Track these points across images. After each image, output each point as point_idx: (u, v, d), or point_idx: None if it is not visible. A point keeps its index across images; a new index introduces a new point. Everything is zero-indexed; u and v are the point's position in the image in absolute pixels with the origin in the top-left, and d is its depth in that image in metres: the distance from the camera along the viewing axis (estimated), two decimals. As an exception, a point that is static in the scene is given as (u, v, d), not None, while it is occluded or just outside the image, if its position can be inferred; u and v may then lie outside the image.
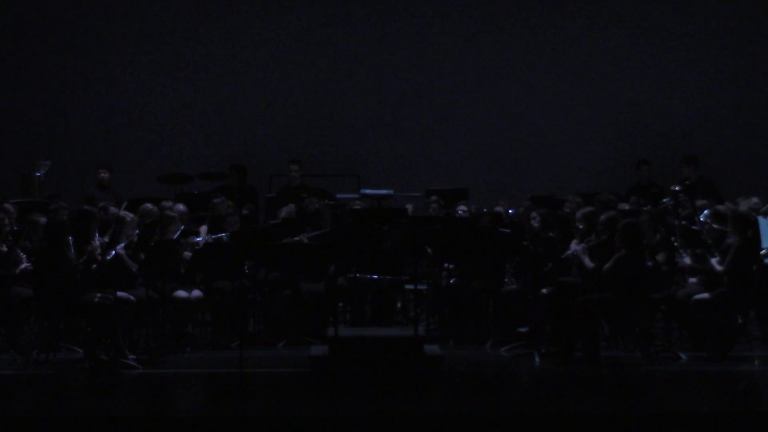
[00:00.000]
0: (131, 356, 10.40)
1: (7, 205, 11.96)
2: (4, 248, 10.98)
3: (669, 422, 8.26)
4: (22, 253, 10.99)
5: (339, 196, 13.84)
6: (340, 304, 12.24)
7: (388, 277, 11.76)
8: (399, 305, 12.57)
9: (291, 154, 15.17)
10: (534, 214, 11.69)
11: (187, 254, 11.34)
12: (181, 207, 12.14)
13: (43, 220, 11.27)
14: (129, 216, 11.24)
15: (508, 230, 11.66)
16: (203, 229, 12.14)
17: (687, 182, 12.73)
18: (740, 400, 9.42)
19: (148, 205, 11.76)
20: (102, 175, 14.16)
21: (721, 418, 8.35)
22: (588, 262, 10.74)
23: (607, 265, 10.55)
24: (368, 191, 13.27)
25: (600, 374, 10.15)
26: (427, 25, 16.43)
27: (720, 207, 11.46)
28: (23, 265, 10.90)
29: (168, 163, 15.56)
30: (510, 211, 12.80)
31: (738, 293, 10.74)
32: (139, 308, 10.71)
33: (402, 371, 9.81)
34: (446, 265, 11.95)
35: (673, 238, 11.28)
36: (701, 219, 11.36)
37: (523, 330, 11.21)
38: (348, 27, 16.42)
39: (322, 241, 11.78)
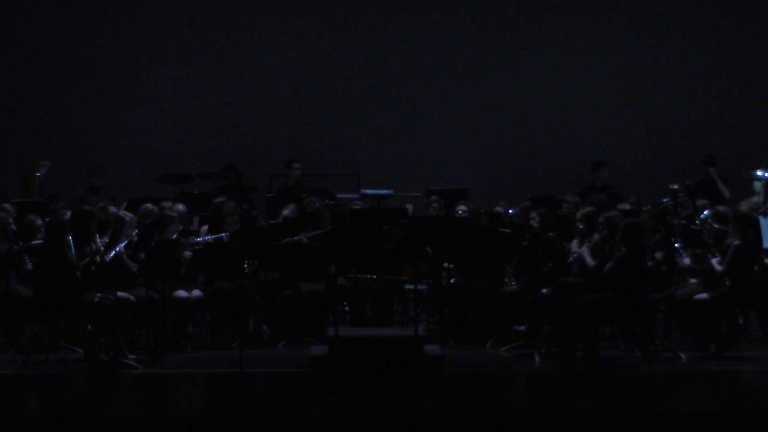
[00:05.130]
0: (131, 356, 10.40)
1: (7, 205, 11.96)
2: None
3: (669, 422, 8.26)
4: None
5: (339, 196, 13.83)
6: (345, 306, 12.24)
7: (388, 277, 11.75)
8: (395, 306, 12.55)
9: (291, 154, 15.16)
10: (534, 214, 11.69)
11: (188, 254, 11.34)
12: (180, 207, 12.15)
13: (39, 221, 11.26)
14: (129, 216, 11.24)
15: (508, 230, 11.66)
16: (204, 229, 12.15)
17: (688, 182, 12.73)
18: (740, 400, 9.42)
19: (148, 205, 11.75)
20: (93, 179, 14.15)
21: (721, 418, 8.35)
22: (590, 261, 10.75)
23: (608, 265, 10.55)
24: (368, 191, 13.24)
25: (600, 374, 10.15)
26: (427, 25, 16.43)
27: (720, 207, 11.47)
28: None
29: (168, 163, 15.56)
30: (510, 211, 12.80)
31: (738, 293, 10.75)
32: (139, 308, 10.70)
33: (402, 371, 9.80)
34: (446, 265, 11.95)
35: (673, 239, 11.28)
36: (701, 219, 11.36)
37: (520, 328, 11.21)
38: (348, 27, 16.42)
39: (322, 241, 11.78)
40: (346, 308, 12.34)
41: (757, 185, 13.07)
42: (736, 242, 10.75)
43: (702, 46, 16.37)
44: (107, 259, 10.53)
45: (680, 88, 16.31)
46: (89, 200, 13.19)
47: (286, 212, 12.43)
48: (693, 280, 11.29)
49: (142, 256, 10.87)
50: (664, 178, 14.23)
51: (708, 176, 14.19)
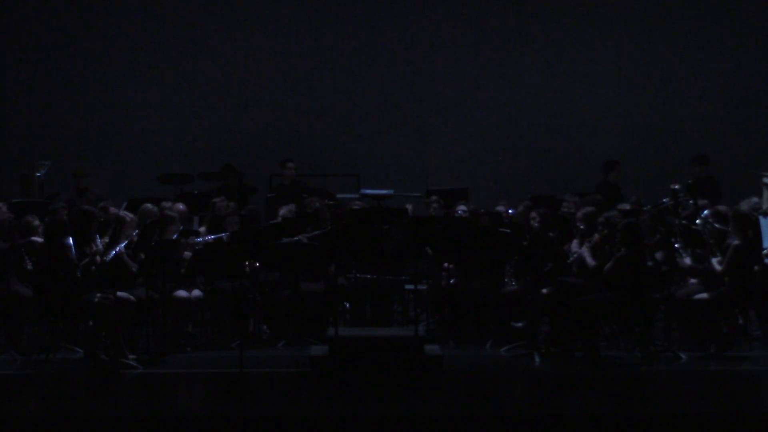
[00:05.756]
0: (131, 356, 10.39)
1: (1, 204, 11.96)
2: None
3: (669, 422, 8.27)
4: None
5: (339, 196, 13.84)
6: (346, 305, 12.24)
7: (388, 277, 11.75)
8: (395, 306, 12.55)
9: (291, 154, 15.17)
10: (534, 214, 11.69)
11: (188, 254, 11.34)
12: (181, 206, 12.17)
13: (35, 222, 11.25)
14: (129, 216, 11.24)
15: (508, 230, 11.66)
16: (202, 229, 12.15)
17: (690, 181, 12.74)
18: (740, 400, 9.42)
19: (148, 205, 11.76)
20: (79, 181, 14.12)
21: (721, 418, 8.35)
22: (590, 261, 10.75)
23: (607, 265, 10.55)
24: (368, 191, 13.25)
25: (600, 374, 10.15)
26: (427, 24, 16.43)
27: (721, 207, 11.46)
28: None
29: (168, 163, 15.56)
30: (510, 211, 12.79)
31: (738, 293, 10.74)
32: (139, 308, 10.71)
33: (402, 371, 9.80)
34: (446, 265, 11.95)
35: (673, 239, 11.28)
36: (702, 219, 11.35)
37: (518, 325, 11.20)
38: (348, 27, 16.42)
39: (322, 241, 11.78)
40: (347, 306, 12.35)
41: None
42: (736, 242, 10.75)
43: (702, 46, 16.37)
44: (107, 259, 10.54)
45: (680, 88, 16.30)
46: (79, 202, 13.18)
47: (283, 212, 12.43)
48: (693, 280, 11.28)
49: (142, 256, 10.87)
50: (664, 178, 14.24)
51: (703, 175, 14.17)
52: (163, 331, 11.16)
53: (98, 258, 10.47)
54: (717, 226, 11.09)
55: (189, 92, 16.35)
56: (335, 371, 9.85)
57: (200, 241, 11.71)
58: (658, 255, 11.01)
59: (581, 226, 11.20)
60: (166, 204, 12.20)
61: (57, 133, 16.13)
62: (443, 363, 9.99)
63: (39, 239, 10.98)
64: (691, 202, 12.36)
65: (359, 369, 9.84)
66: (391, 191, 13.03)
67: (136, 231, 10.99)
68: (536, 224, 11.51)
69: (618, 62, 16.38)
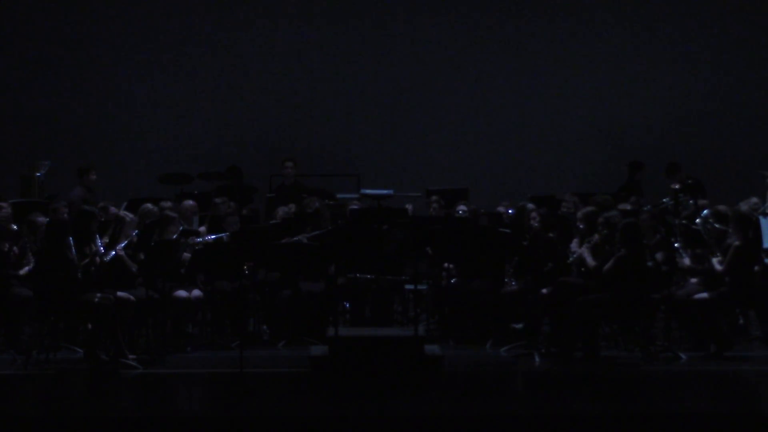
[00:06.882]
0: (131, 356, 10.39)
1: (2, 203, 11.97)
2: (6, 247, 11.02)
3: (669, 422, 8.27)
4: (30, 255, 11.03)
5: (339, 196, 13.83)
6: (346, 305, 12.24)
7: (388, 277, 11.75)
8: (395, 306, 12.54)
9: (291, 154, 15.16)
10: (534, 214, 11.68)
11: (187, 255, 11.33)
12: (190, 202, 12.22)
13: (41, 219, 11.27)
14: (129, 216, 11.24)
15: (508, 230, 11.66)
16: (202, 229, 12.16)
17: (690, 181, 12.70)
18: (740, 400, 9.42)
19: (148, 205, 11.76)
20: (92, 177, 14.08)
21: (721, 418, 8.35)
22: (590, 261, 10.74)
23: (607, 265, 10.55)
24: (368, 191, 13.23)
25: (600, 374, 10.15)
26: (427, 25, 16.44)
27: (721, 207, 11.46)
28: (27, 268, 10.96)
29: (168, 163, 15.56)
30: (510, 211, 12.80)
31: (738, 293, 10.74)
32: (139, 308, 10.71)
33: (402, 371, 9.79)
34: (446, 265, 11.94)
35: (673, 239, 11.28)
36: (702, 219, 11.34)
37: (518, 326, 11.21)
38: (348, 27, 16.43)
39: (322, 241, 11.77)
40: (347, 306, 12.34)
41: None
42: (737, 243, 10.75)
43: (702, 46, 16.38)
44: (107, 260, 10.54)
45: (680, 88, 16.31)
46: (90, 199, 13.19)
47: (280, 213, 12.42)
48: (693, 280, 11.28)
49: (142, 256, 10.87)
50: (665, 178, 14.26)
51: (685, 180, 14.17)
52: (163, 331, 11.16)
53: (98, 258, 10.47)
54: (717, 226, 11.08)
55: (189, 92, 16.35)
56: (335, 371, 9.84)
57: (200, 241, 11.71)
58: (658, 255, 11.01)
59: (581, 226, 11.20)
60: (166, 204, 12.20)
61: (57, 133, 16.13)
62: (443, 363, 9.98)
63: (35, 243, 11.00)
64: (691, 202, 12.36)
65: (359, 369, 9.82)
66: (391, 191, 12.99)
67: (136, 231, 10.99)
68: (536, 224, 11.51)
69: (618, 63, 16.39)
